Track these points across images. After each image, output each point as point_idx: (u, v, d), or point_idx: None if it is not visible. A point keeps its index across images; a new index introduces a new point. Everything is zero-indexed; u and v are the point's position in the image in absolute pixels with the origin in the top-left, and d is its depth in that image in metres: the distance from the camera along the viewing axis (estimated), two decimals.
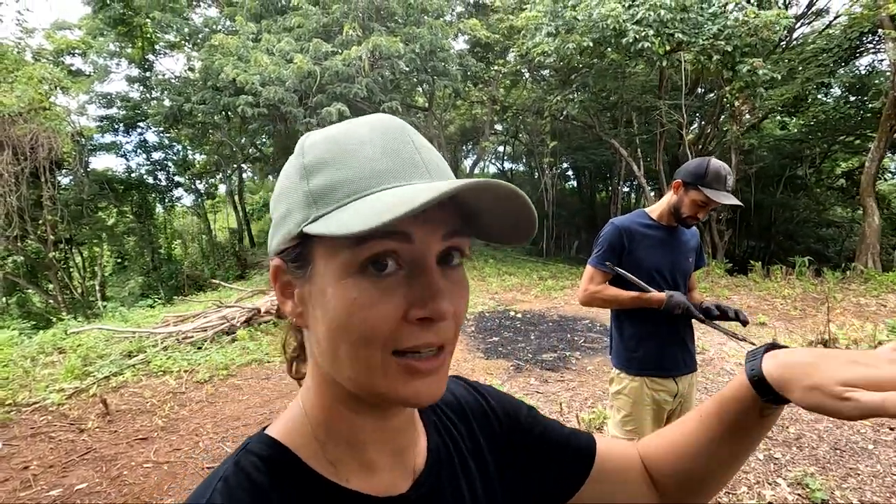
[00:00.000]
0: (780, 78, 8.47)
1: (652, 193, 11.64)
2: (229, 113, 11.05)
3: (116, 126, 16.54)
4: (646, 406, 2.01)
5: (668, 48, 7.76)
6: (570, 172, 22.45)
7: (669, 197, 2.05)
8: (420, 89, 13.78)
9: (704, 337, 5.78)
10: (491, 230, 0.45)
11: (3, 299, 13.96)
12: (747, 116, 10.81)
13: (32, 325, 9.66)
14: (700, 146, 12.24)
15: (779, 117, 12.30)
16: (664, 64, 8.35)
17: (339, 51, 9.00)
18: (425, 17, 10.00)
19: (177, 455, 3.33)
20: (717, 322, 1.93)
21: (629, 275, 1.96)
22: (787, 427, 3.45)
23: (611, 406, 2.16)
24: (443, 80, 10.62)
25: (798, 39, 11.79)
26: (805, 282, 8.91)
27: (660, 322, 1.99)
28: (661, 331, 2.01)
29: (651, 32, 7.47)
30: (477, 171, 27.40)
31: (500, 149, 24.43)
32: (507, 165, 25.71)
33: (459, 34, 11.61)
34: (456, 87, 11.10)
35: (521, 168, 24.99)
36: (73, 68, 16.00)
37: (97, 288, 16.09)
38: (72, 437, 3.62)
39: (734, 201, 1.92)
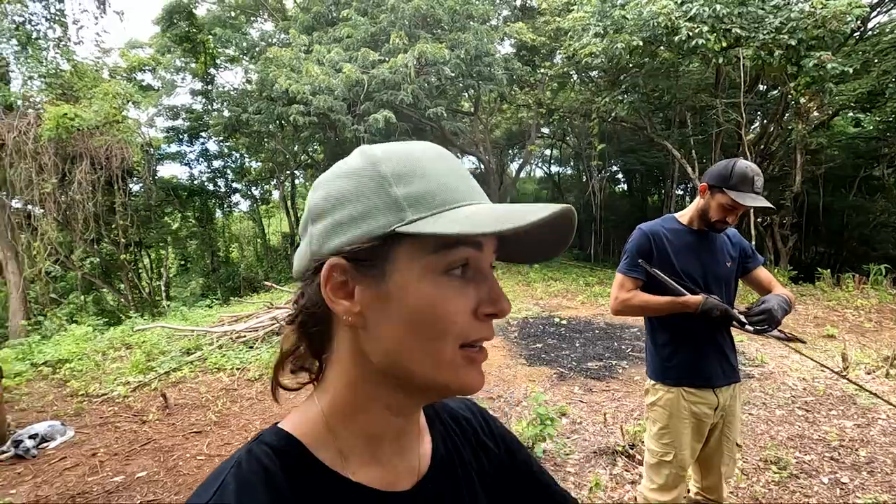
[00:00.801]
0: (852, 72, 7.86)
1: None
2: (283, 122, 11.51)
3: (181, 136, 17.61)
4: (683, 419, 1.92)
5: (724, 44, 7.39)
6: (620, 175, 21.81)
7: (697, 201, 1.98)
8: (466, 94, 13.85)
9: (764, 349, 5.44)
10: (517, 251, 0.53)
11: (82, 297, 15.17)
12: (815, 114, 10.11)
13: (105, 322, 10.45)
14: (762, 146, 11.56)
15: (851, 114, 11.40)
16: (720, 61, 7.96)
17: (386, 59, 9.19)
18: (471, 23, 10.04)
19: (227, 449, 3.49)
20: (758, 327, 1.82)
21: (661, 274, 1.88)
22: (857, 450, 3.18)
23: (647, 418, 2.07)
24: (488, 85, 10.62)
25: (874, 30, 10.92)
26: (881, 291, 8.21)
27: (696, 328, 1.91)
28: (698, 338, 1.93)
29: (706, 29, 7.14)
30: (523, 174, 27.17)
31: (548, 152, 24.09)
32: (555, 169, 25.29)
33: (505, 38, 11.57)
34: (501, 92, 11.06)
35: (570, 171, 24.50)
36: (144, 83, 17.22)
37: (162, 288, 17.23)
38: (135, 427, 3.88)
39: (763, 204, 1.82)
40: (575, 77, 11.83)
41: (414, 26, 9.57)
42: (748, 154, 9.78)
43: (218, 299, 12.69)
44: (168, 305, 14.29)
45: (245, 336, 6.00)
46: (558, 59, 11.66)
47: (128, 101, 9.11)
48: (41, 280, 8.94)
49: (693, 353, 1.94)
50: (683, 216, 2.04)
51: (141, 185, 15.66)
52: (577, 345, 6.13)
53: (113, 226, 12.31)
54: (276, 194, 21.36)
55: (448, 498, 0.55)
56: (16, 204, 9.19)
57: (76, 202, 9.11)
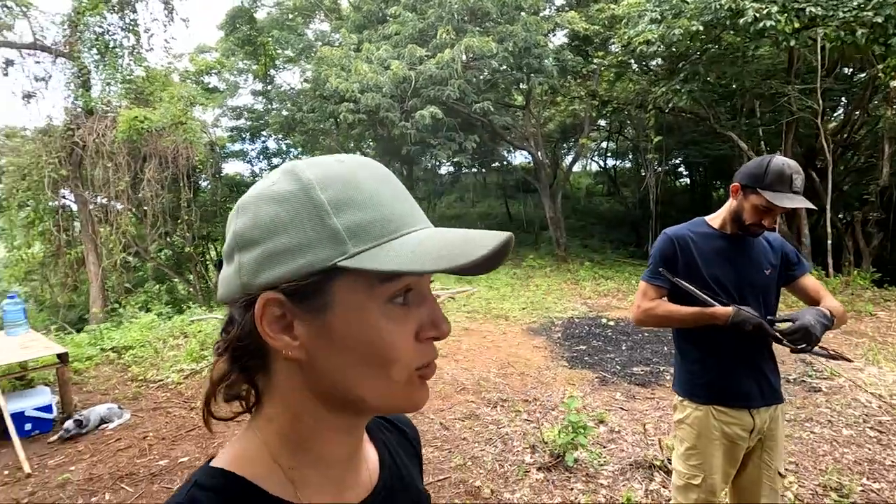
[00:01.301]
0: None
1: None
2: (335, 120, 11.80)
3: (243, 135, 18.53)
4: (713, 440, 1.76)
5: (796, 25, 6.75)
6: (682, 169, 20.65)
7: (730, 202, 1.80)
8: (518, 88, 13.59)
9: (834, 361, 4.95)
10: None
11: (156, 287, 16.40)
12: None
13: (175, 310, 11.23)
14: (844, 135, 10.54)
15: None
16: (793, 44, 7.28)
17: (434, 54, 9.17)
18: (521, 14, 9.81)
19: None
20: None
21: (684, 283, 1.73)
22: None
23: (674, 436, 1.92)
24: (538, 77, 10.35)
25: None
26: None
27: (727, 342, 1.75)
28: (731, 353, 1.77)
29: (775, 9, 6.54)
30: (578, 169, 26.39)
31: (604, 145, 23.24)
32: (612, 162, 24.34)
33: (557, 28, 11.22)
34: (552, 84, 10.75)
35: (628, 164, 23.51)
36: (211, 86, 18.26)
37: None
38: (184, 413, 4.11)
39: (803, 204, 1.64)
40: (635, 66, 11.27)
41: (461, 20, 9.48)
42: (827, 144, 8.94)
43: None
44: None
45: None
46: (616, 49, 11.16)
47: (191, 104, 9.67)
48: (117, 271, 9.71)
49: (725, 369, 1.78)
50: (715, 219, 1.88)
51: (208, 182, 16.72)
52: (624, 348, 5.86)
53: (180, 221, 13.18)
54: None
55: (400, 499, 0.58)
56: (97, 200, 10.04)
57: (148, 198, 9.82)
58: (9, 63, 10.37)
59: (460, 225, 19.79)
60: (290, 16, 15.10)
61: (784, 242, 1.92)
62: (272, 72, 17.88)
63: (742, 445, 1.77)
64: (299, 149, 19.22)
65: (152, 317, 7.44)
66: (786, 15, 6.62)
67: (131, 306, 9.01)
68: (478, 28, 9.56)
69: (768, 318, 1.68)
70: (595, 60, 10.31)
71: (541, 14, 11.58)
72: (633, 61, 10.11)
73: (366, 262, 0.41)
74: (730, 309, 1.67)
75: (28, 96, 10.37)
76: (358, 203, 0.43)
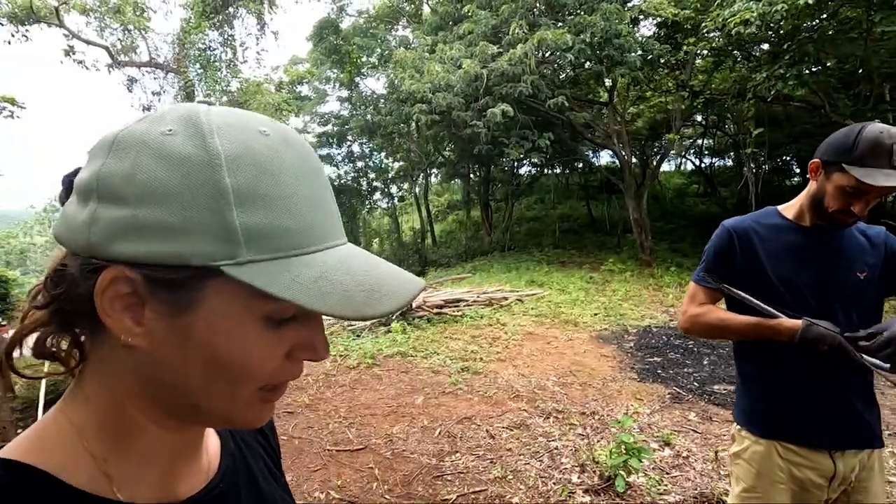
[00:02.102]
0: None
1: None
2: (412, 121, 11.99)
3: (330, 140, 19.57)
4: (778, 483, 1.42)
5: None
6: (795, 166, 18.38)
7: (809, 186, 1.43)
8: (599, 82, 12.94)
9: None
10: None
11: None
12: None
13: None
14: None
15: None
16: None
17: (507, 51, 8.95)
18: (603, 4, 9.27)
19: (308, 432, 3.66)
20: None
21: (739, 292, 1.41)
22: None
23: (731, 472, 1.59)
24: (619, 70, 9.72)
25: None
26: None
27: (800, 362, 1.39)
28: (804, 375, 1.41)
29: None
30: (669, 167, 24.56)
31: (701, 142, 21.42)
32: (710, 161, 22.34)
33: (641, 16, 10.47)
34: (636, 76, 10.05)
35: (730, 163, 21.44)
36: (302, 94, 19.50)
37: None
38: None
39: None
40: (737, 54, 10.11)
41: (536, 14, 9.15)
42: None
43: None
44: None
45: (354, 325, 6.33)
46: (712, 34, 10.17)
47: (277, 110, 10.31)
48: None
49: (795, 396, 1.43)
50: (790, 208, 1.52)
51: None
52: (705, 362, 5.24)
53: None
54: (417, 191, 22.63)
55: (241, 493, 0.52)
56: None
57: None
58: (132, 80, 11.80)
59: (539, 228, 19.33)
60: (373, 23, 15.63)
61: (890, 236, 1.49)
62: (357, 79, 18.72)
63: (818, 495, 1.41)
64: (380, 151, 19.92)
65: None
66: None
67: None
68: (552, 21, 9.18)
69: (846, 333, 1.31)
70: (685, 48, 9.43)
71: (627, 4, 10.92)
72: (729, 46, 9.12)
73: (255, 277, 0.35)
74: (799, 322, 1.33)
75: (146, 109, 11.73)
76: (268, 201, 0.36)
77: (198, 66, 10.45)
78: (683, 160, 24.79)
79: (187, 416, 0.43)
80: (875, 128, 1.30)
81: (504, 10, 9.34)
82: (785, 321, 1.35)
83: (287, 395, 4.40)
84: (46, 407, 3.61)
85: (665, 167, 26.14)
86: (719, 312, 1.52)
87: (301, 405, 4.17)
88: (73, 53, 10.96)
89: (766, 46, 9.52)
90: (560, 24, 9.16)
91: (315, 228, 0.39)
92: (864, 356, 1.27)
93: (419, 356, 5.39)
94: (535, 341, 6.19)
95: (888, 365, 1.22)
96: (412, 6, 15.80)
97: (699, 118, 17.70)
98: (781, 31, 7.39)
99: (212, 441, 0.52)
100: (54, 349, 0.42)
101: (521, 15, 9.08)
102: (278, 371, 0.40)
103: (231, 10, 10.69)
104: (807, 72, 7.81)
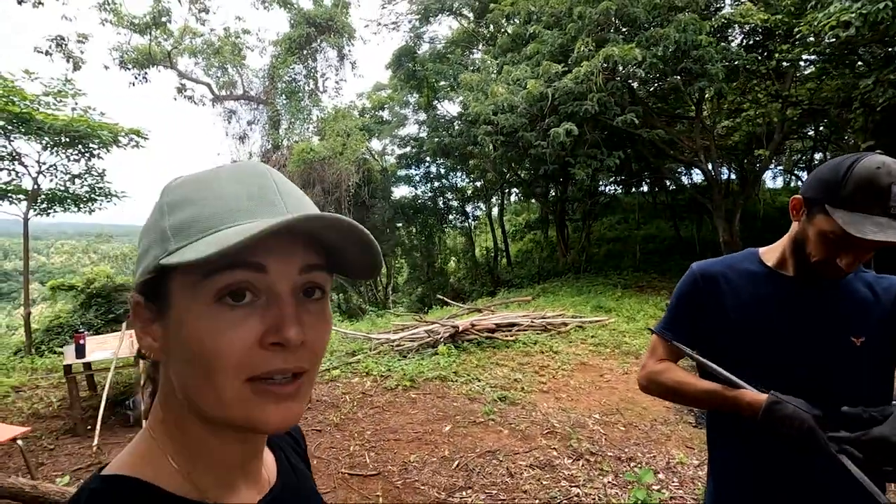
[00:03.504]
0: None
1: None
2: (482, 142, 12.08)
3: (409, 162, 20.24)
4: None
5: None
6: None
7: (792, 227, 1.18)
8: (681, 96, 12.14)
9: None
10: (354, 266, 0.48)
11: (337, 296, 18.79)
12: None
13: (348, 318, 12.65)
14: None
15: None
16: None
17: (572, 69, 8.72)
18: (678, 15, 8.74)
19: (329, 453, 3.73)
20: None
21: (692, 353, 1.21)
22: None
23: None
24: (700, 82, 9.05)
25: None
26: None
27: (770, 445, 1.15)
28: (773, 461, 1.16)
29: None
30: (776, 184, 22.19)
31: (816, 156, 19.18)
32: None
33: (730, 25, 9.69)
34: (719, 88, 9.29)
35: None
36: (384, 119, 20.45)
37: (390, 292, 20.22)
38: None
39: None
40: (844, 59, 8.90)
41: (603, 30, 8.83)
42: None
43: (430, 307, 14.11)
44: (391, 306, 16.67)
45: (403, 345, 6.40)
46: (810, 39, 9.15)
47: (348, 136, 10.91)
48: None
49: (762, 483, 1.18)
50: (771, 253, 1.26)
51: (381, 203, 18.69)
52: None
53: None
54: (492, 210, 22.66)
55: (299, 497, 0.59)
56: None
57: None
58: (231, 112, 13.17)
59: (620, 249, 18.34)
60: (450, 48, 16.06)
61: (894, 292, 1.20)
62: (435, 102, 19.26)
63: None
64: (457, 172, 20.23)
65: None
66: None
67: None
68: (622, 36, 8.79)
69: (845, 408, 1.04)
70: (777, 56, 8.55)
71: (712, 9, 10.17)
72: (829, 50, 8.13)
73: (174, 257, 0.40)
74: (762, 396, 1.08)
75: (241, 138, 13.00)
76: (192, 201, 0.43)
77: (283, 97, 11.40)
78: (793, 177, 22.34)
79: (208, 421, 0.46)
80: (872, 161, 1.03)
81: (570, 28, 9.13)
82: (747, 393, 1.12)
83: (323, 411, 4.54)
84: (108, 405, 4.05)
85: (770, 184, 23.72)
86: (678, 373, 1.31)
87: (330, 424, 4.26)
88: (185, 90, 12.53)
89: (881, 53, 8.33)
90: (628, 39, 8.75)
91: (237, 211, 0.42)
92: (846, 450, 1.00)
93: (459, 381, 5.30)
94: (587, 372, 5.82)
95: (864, 476, 0.95)
96: (488, 31, 16.02)
97: (810, 131, 15.87)
98: (892, 32, 6.42)
99: (267, 456, 0.58)
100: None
101: (588, 32, 8.81)
102: (253, 358, 0.42)
103: (315, 44, 11.57)
104: None
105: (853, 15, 6.12)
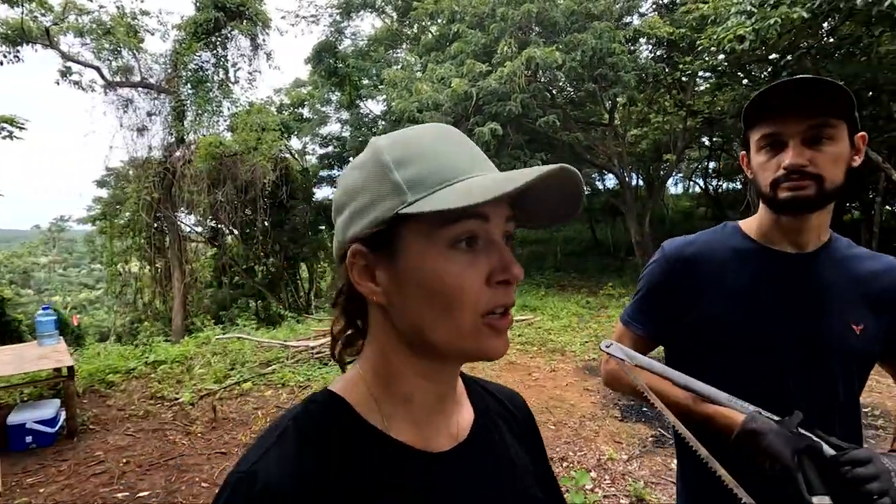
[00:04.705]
0: None
1: None
2: None
3: (332, 162, 19.50)
4: None
5: None
6: None
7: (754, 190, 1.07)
8: (596, 102, 12.72)
9: None
10: (536, 216, 0.55)
11: (254, 303, 17.57)
12: None
13: (255, 326, 11.78)
14: None
15: None
16: None
17: (496, 69, 8.75)
18: (594, 23, 9.08)
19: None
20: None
21: (656, 363, 1.02)
22: None
23: None
24: (615, 89, 9.47)
25: None
26: None
27: (745, 465, 0.96)
28: (747, 480, 0.98)
29: None
30: (676, 190, 24.13)
31: (711, 165, 21.05)
32: (716, 183, 21.90)
33: (638, 36, 10.26)
34: (631, 96, 9.79)
35: (739, 186, 20.98)
36: (304, 116, 19.56)
37: (312, 297, 19.32)
38: (178, 438, 3.92)
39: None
40: (737, 73, 9.77)
41: (525, 33, 8.98)
42: None
43: None
44: (314, 312, 15.89)
45: (323, 352, 5.96)
46: (711, 52, 9.91)
47: (263, 129, 10.18)
48: (195, 286, 10.37)
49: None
50: (751, 224, 1.10)
51: (303, 206, 17.78)
52: None
53: (267, 242, 13.98)
54: None
55: (485, 464, 0.57)
56: (184, 220, 10.93)
57: (237, 221, 10.46)
58: (128, 101, 11.83)
59: (542, 251, 18.95)
60: (373, 46, 15.67)
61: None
62: (358, 101, 18.73)
63: None
64: None
65: (209, 332, 7.66)
66: None
67: (201, 320, 9.46)
68: (543, 39, 8.99)
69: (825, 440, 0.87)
70: (680, 67, 9.16)
71: (623, 20, 10.71)
72: (727, 65, 8.83)
73: (421, 207, 0.44)
74: (738, 415, 0.91)
75: (139, 130, 11.71)
76: (417, 158, 0.47)
77: (188, 86, 10.41)
78: (691, 183, 24.41)
79: (434, 356, 0.51)
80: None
81: (493, 28, 9.19)
82: (720, 409, 0.94)
83: (231, 430, 4.02)
84: None
85: (673, 190, 25.73)
86: (644, 372, 1.13)
87: (238, 444, 3.77)
88: (70, 74, 11.04)
89: (769, 68, 9.22)
90: (550, 42, 8.95)
91: (459, 166, 0.47)
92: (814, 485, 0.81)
93: None
94: (515, 372, 5.76)
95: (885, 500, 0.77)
96: (412, 31, 15.84)
97: (705, 140, 17.35)
98: (779, 48, 7.08)
99: (465, 413, 0.60)
100: (353, 340, 0.56)
101: (511, 33, 8.90)
102: (483, 296, 0.47)
103: (225, 31, 10.71)
104: None
105: (748, 29, 6.63)
